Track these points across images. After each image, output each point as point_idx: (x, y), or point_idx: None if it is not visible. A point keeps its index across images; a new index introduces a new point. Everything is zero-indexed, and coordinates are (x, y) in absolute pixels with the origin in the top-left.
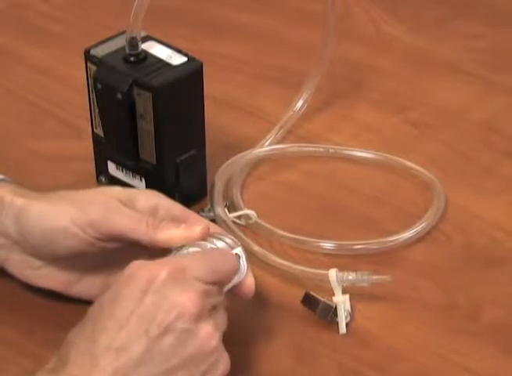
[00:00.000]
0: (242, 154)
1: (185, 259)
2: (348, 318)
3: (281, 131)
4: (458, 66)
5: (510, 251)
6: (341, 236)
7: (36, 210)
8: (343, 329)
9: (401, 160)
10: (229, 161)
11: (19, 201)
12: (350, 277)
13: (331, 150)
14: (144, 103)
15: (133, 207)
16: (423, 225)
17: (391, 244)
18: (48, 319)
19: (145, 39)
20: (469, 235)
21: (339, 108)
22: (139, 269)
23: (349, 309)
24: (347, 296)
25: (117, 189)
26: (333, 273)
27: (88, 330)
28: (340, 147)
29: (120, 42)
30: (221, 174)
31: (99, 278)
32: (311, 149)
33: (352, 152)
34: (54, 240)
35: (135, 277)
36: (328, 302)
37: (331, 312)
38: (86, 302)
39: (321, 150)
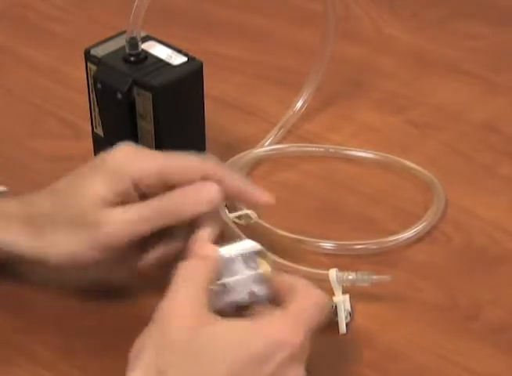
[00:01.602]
0: (242, 154)
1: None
2: (348, 318)
3: (281, 131)
4: (458, 66)
5: (510, 251)
6: (341, 236)
7: None
8: (343, 329)
9: (401, 160)
10: (229, 161)
11: None
12: (350, 277)
13: (331, 150)
14: (144, 102)
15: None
16: (423, 225)
17: (391, 243)
18: (48, 319)
19: (145, 39)
20: (469, 235)
21: (339, 108)
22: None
23: (349, 309)
24: (347, 296)
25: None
26: (333, 273)
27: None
28: (340, 147)
29: (120, 42)
30: None
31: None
32: (311, 149)
33: (352, 152)
34: None
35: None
36: (328, 302)
37: (331, 312)
38: (86, 302)
39: (321, 149)
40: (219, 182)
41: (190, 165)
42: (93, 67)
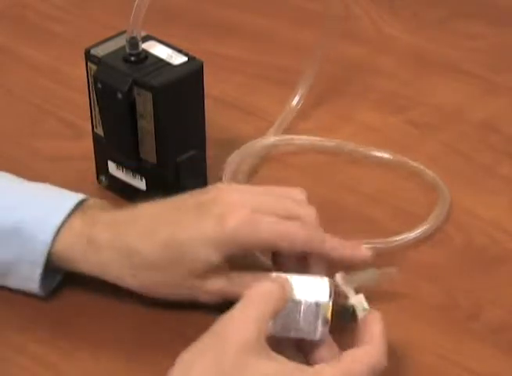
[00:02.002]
0: (244, 146)
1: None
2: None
3: (281, 130)
4: (458, 66)
5: (510, 251)
6: (342, 236)
7: None
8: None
9: (409, 161)
10: (232, 157)
11: None
12: (355, 277)
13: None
14: (144, 102)
15: None
16: (425, 227)
17: (391, 245)
18: (48, 319)
19: (145, 39)
20: (469, 235)
21: (339, 108)
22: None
23: (367, 307)
24: (361, 295)
25: None
26: (339, 277)
27: None
28: (352, 144)
29: (121, 42)
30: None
31: None
32: (322, 143)
33: (361, 149)
34: None
35: None
36: (345, 305)
37: (349, 314)
38: (87, 303)
39: (332, 144)
40: (323, 248)
41: (297, 238)
42: (93, 67)
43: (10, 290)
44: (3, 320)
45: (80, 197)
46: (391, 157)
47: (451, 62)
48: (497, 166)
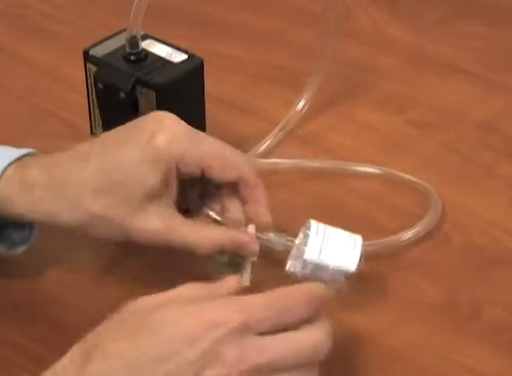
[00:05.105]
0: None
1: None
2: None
3: (281, 132)
4: (458, 66)
5: (510, 250)
6: None
7: None
8: (246, 281)
9: (397, 172)
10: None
11: None
12: (264, 237)
13: (328, 165)
14: (147, 101)
15: None
16: (417, 229)
17: (382, 245)
18: (47, 319)
19: (143, 38)
20: (469, 235)
21: (339, 108)
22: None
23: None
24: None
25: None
26: (251, 228)
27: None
28: (337, 162)
29: (119, 41)
30: None
31: None
32: (306, 164)
33: (349, 166)
34: None
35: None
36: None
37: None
38: (87, 302)
39: (317, 164)
40: (246, 185)
41: (229, 163)
42: (93, 68)
43: (9, 289)
44: (3, 320)
45: (22, 152)
46: (380, 172)
47: (451, 62)
48: (497, 166)
